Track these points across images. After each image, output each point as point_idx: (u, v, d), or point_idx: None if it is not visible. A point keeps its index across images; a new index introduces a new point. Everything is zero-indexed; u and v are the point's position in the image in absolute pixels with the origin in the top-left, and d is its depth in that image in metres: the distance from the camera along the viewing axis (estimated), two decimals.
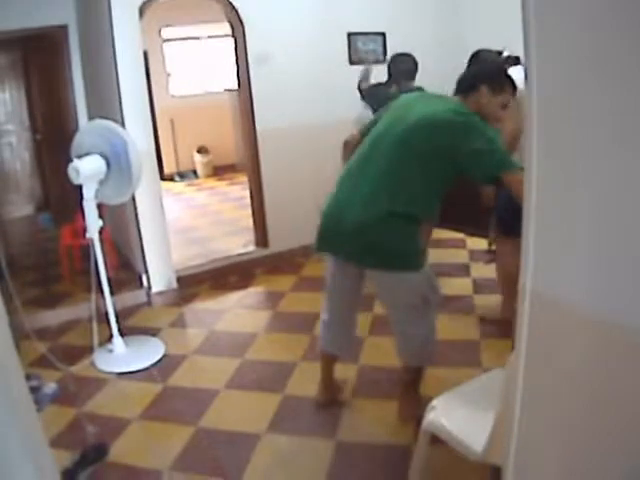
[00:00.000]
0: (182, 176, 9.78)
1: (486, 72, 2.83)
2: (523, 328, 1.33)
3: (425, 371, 3.07)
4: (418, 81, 4.41)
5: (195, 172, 9.97)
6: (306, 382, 3.47)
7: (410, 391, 3.08)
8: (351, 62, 5.60)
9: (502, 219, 3.59)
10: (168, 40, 9.46)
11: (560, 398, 1.30)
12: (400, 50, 5.71)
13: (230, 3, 4.79)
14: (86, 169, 3.51)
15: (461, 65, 6.06)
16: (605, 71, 1.06)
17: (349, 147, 3.09)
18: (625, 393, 1.15)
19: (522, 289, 1.32)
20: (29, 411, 1.57)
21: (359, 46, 5.62)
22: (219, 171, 10.00)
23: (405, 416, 3.04)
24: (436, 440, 2.28)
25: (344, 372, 3.44)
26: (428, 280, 2.79)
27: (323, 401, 3.24)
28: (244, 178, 7.56)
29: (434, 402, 2.33)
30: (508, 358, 1.85)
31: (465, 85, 2.79)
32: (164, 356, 3.87)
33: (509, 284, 3.49)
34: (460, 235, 5.54)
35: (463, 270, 5.06)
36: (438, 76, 6.10)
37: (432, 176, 2.63)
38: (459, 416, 2.25)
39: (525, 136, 1.27)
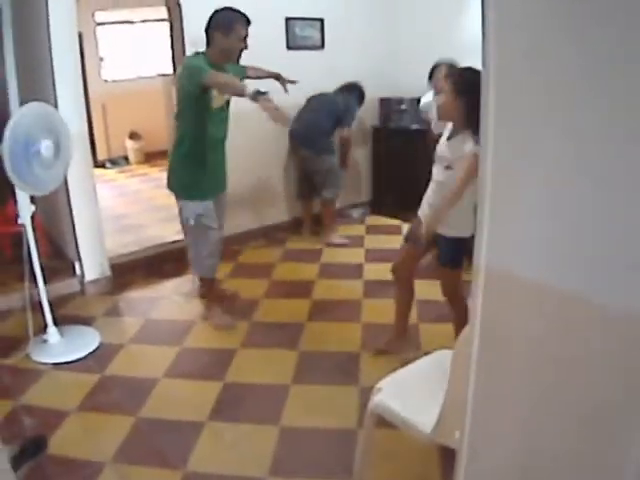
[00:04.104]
0: (113, 162, 9.53)
1: (214, 23, 3.54)
2: (478, 305, 1.35)
3: (210, 281, 4.12)
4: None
5: (127, 158, 9.74)
6: (246, 369, 3.48)
7: (209, 294, 4.22)
8: (288, 47, 5.60)
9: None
10: (101, 24, 9.14)
11: (516, 372, 1.33)
12: (336, 36, 5.79)
13: None
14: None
15: (392, 55, 6.20)
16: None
17: None
18: (582, 362, 1.19)
19: (476, 267, 1.34)
20: None
21: (296, 32, 5.61)
22: (151, 157, 9.74)
23: (209, 304, 4.22)
24: (382, 423, 2.31)
25: (285, 357, 3.48)
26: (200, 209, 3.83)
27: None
28: None
29: (380, 384, 2.34)
30: (457, 339, 1.89)
31: (207, 41, 3.57)
32: (100, 345, 3.77)
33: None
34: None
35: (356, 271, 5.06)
36: (369, 64, 6.22)
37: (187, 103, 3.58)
38: (406, 398, 2.28)
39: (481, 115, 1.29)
